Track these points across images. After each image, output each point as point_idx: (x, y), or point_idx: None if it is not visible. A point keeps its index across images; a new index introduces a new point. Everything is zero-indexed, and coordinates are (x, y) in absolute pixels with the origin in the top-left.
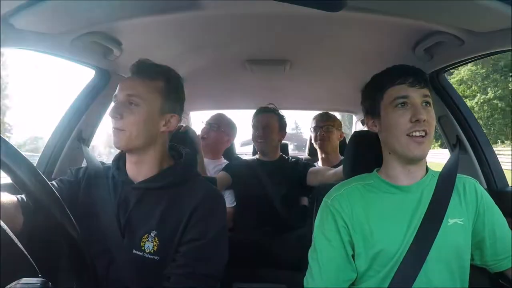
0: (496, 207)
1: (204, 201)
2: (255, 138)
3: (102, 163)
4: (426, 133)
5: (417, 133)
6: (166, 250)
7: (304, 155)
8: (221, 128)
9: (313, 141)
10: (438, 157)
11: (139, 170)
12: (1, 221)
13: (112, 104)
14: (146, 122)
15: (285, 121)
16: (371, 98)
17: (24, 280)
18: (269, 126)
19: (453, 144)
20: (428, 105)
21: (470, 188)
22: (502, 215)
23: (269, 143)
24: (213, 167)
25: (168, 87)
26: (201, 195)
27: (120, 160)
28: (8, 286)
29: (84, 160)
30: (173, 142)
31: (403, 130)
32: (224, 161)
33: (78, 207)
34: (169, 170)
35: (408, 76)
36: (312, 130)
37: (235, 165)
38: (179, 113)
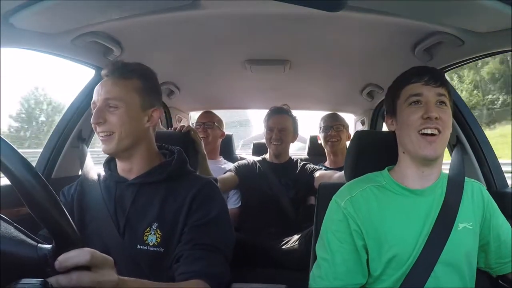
0: (499, 211)
1: (202, 189)
2: (270, 140)
3: None
4: (439, 132)
5: (428, 131)
6: (170, 240)
7: (304, 154)
8: (215, 124)
9: (321, 142)
10: None
11: (130, 169)
12: (1, 219)
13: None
14: (131, 121)
15: (297, 123)
16: (390, 97)
17: (24, 280)
18: (286, 129)
19: (453, 145)
20: (443, 104)
21: (477, 193)
22: (505, 219)
23: (284, 146)
24: (212, 168)
25: (144, 84)
26: (199, 184)
27: (111, 162)
28: (8, 286)
29: (84, 162)
30: (174, 143)
31: (414, 127)
32: (224, 161)
33: (75, 222)
34: (163, 165)
35: (424, 75)
36: (322, 130)
37: (243, 166)
38: (159, 106)
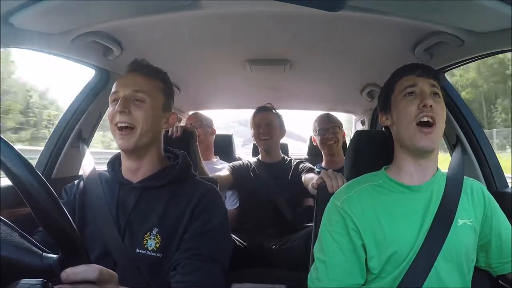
0: (501, 210)
1: (205, 196)
2: (258, 136)
3: None
4: (434, 122)
5: (425, 118)
6: (169, 246)
7: (304, 155)
8: (203, 123)
9: (318, 144)
10: None
11: (138, 170)
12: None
13: (111, 103)
14: (153, 119)
15: (283, 120)
16: (384, 93)
17: (24, 280)
18: (272, 124)
19: (453, 144)
20: (436, 96)
21: (478, 192)
22: (507, 218)
23: (273, 141)
24: (208, 169)
25: (165, 87)
26: (201, 191)
27: (115, 162)
28: (8, 286)
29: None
30: (173, 142)
31: (411, 117)
32: (220, 162)
33: (76, 220)
34: (168, 169)
35: (416, 68)
36: (317, 133)
37: (238, 166)
38: (174, 112)
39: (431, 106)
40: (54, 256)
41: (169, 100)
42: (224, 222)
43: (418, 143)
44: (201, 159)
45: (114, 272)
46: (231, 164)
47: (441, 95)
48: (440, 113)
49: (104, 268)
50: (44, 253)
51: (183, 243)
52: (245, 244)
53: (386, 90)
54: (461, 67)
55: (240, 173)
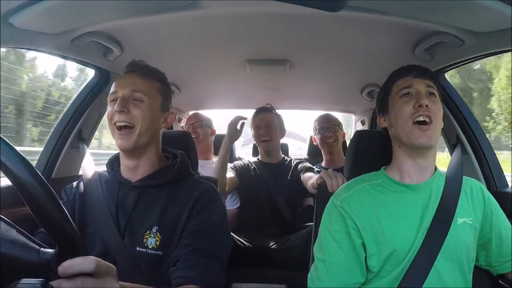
0: (501, 209)
1: (203, 195)
2: (258, 138)
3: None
4: (430, 121)
5: (421, 118)
6: (169, 244)
7: (304, 155)
8: (204, 122)
9: (318, 143)
10: None
11: (136, 169)
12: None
13: (109, 103)
14: (152, 118)
15: (283, 121)
16: (382, 95)
17: (24, 280)
18: (272, 124)
19: (453, 144)
20: (433, 96)
21: (477, 191)
22: (506, 217)
23: (273, 142)
24: (206, 169)
25: (163, 87)
26: (200, 190)
27: (114, 162)
28: (8, 286)
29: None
30: (174, 143)
31: (407, 116)
32: None
33: (76, 221)
34: (167, 169)
35: (413, 70)
36: (317, 132)
37: (240, 167)
38: (172, 111)
39: (427, 105)
40: (51, 250)
41: (166, 100)
42: (223, 220)
43: (415, 140)
44: (226, 162)
45: (112, 265)
46: (232, 165)
47: (437, 95)
48: (437, 112)
49: (101, 260)
50: (41, 248)
51: (183, 240)
52: (245, 243)
53: (384, 92)
54: None
55: (243, 173)
